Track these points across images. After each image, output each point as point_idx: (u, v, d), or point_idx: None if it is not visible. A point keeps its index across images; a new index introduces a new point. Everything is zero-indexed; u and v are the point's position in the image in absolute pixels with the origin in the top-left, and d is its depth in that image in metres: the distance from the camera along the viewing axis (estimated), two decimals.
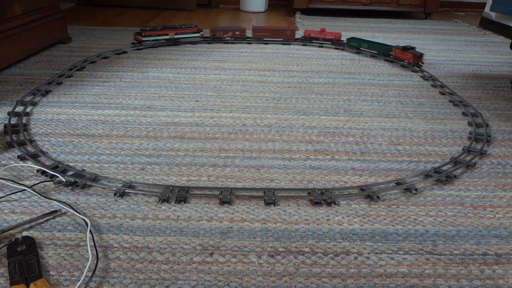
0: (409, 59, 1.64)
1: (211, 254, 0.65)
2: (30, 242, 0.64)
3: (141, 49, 1.76)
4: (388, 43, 1.87)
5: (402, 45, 1.78)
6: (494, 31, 2.40)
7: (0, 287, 0.57)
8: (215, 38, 1.89)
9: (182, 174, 0.86)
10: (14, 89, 1.27)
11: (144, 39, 1.77)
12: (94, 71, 1.46)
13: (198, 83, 1.38)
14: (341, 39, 1.96)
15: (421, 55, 1.62)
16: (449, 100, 1.32)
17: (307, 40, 1.95)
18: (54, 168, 0.85)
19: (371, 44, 1.80)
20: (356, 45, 1.86)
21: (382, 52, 1.77)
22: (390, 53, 1.74)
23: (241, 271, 0.62)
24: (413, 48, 1.66)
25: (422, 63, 1.64)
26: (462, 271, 0.63)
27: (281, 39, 1.94)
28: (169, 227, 0.71)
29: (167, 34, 1.79)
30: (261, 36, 1.92)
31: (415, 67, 1.61)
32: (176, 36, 1.80)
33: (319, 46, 1.90)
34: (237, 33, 1.91)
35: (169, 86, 1.35)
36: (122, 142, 0.98)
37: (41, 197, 0.76)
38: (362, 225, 0.73)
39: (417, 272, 0.63)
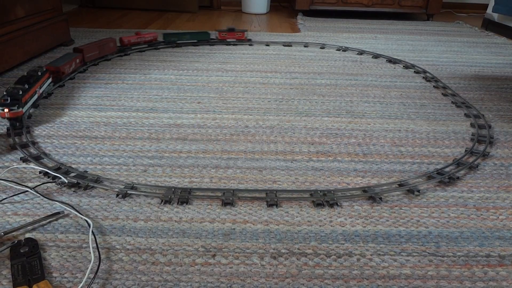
0: (240, 37, 1.92)
1: (214, 255, 0.65)
2: (33, 244, 0.64)
3: (144, 50, 1.76)
4: (390, 44, 1.86)
5: (221, 28, 2.05)
6: (497, 32, 2.41)
7: None
8: (60, 76, 1.34)
9: (185, 175, 0.86)
10: None
11: (22, 110, 1.03)
12: (96, 73, 1.47)
13: (200, 85, 1.38)
14: (158, 38, 1.88)
15: (245, 31, 1.94)
16: (452, 102, 1.31)
17: (127, 48, 1.73)
18: (57, 169, 0.85)
19: (190, 35, 1.86)
20: (175, 40, 1.85)
21: (203, 39, 1.89)
22: (212, 38, 1.92)
23: (244, 272, 0.62)
24: (234, 28, 1.93)
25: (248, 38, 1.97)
26: (465, 272, 0.63)
27: (108, 54, 1.64)
28: (172, 228, 0.71)
29: (35, 93, 1.14)
30: (92, 58, 1.55)
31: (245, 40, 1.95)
32: (41, 90, 1.20)
33: (320, 48, 1.91)
34: (77, 61, 1.46)
35: (171, 88, 1.35)
36: (124, 144, 0.98)
37: (44, 198, 0.76)
38: (364, 227, 0.73)
39: (420, 274, 0.62)
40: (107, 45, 1.62)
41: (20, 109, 1.02)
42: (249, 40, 1.97)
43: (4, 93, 1.03)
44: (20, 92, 1.04)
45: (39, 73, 1.19)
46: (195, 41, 1.88)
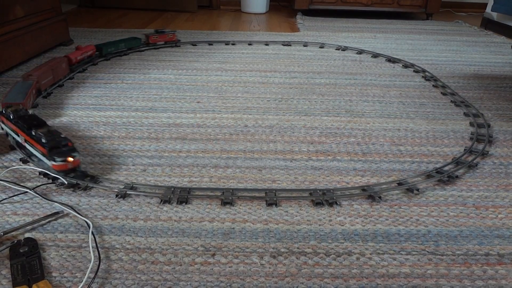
0: (171, 38, 1.84)
1: (213, 255, 0.65)
2: (32, 244, 0.64)
3: (143, 50, 1.76)
4: (389, 43, 1.85)
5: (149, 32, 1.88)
6: (496, 31, 2.41)
7: None
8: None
9: (184, 175, 0.86)
10: None
11: None
12: (95, 73, 1.46)
13: (199, 85, 1.38)
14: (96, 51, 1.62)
15: (174, 32, 1.87)
16: (451, 101, 1.31)
17: (73, 66, 1.46)
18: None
19: (124, 43, 1.71)
20: (112, 50, 1.65)
21: (136, 45, 1.76)
22: (143, 42, 1.80)
23: (243, 272, 0.62)
24: (164, 31, 1.84)
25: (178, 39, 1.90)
26: (464, 271, 0.63)
27: (62, 78, 1.37)
28: (171, 228, 0.71)
29: None
30: (47, 85, 1.26)
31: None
32: None
33: (320, 47, 1.91)
34: (34, 92, 1.17)
35: (170, 87, 1.35)
36: (123, 144, 0.98)
37: (43, 199, 0.76)
38: (364, 226, 0.73)
39: (420, 273, 0.63)
40: (59, 67, 1.34)
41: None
42: (179, 41, 1.88)
43: (44, 140, 0.81)
44: (62, 135, 0.85)
45: (28, 112, 0.95)
46: (126, 49, 1.71)
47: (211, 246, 0.67)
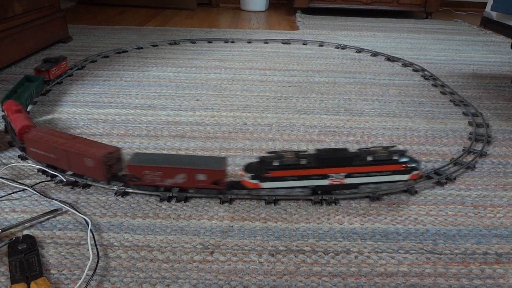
0: (65, 68, 1.38)
1: (212, 253, 0.65)
2: (31, 241, 0.64)
3: (141, 48, 1.76)
4: (388, 42, 1.85)
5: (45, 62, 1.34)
6: (495, 30, 2.41)
7: (1, 285, 0.57)
8: None
9: None
10: None
11: None
12: (94, 70, 1.46)
13: (198, 82, 1.38)
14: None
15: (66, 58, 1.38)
16: (450, 100, 1.32)
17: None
18: (55, 167, 0.85)
19: (35, 88, 1.18)
20: (29, 101, 1.14)
21: (41, 86, 1.24)
22: (46, 79, 1.28)
23: (242, 270, 0.62)
24: (57, 58, 1.35)
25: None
26: (462, 270, 0.63)
27: None
28: (170, 226, 0.71)
29: None
30: None
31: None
32: None
33: (319, 45, 1.90)
34: None
35: (169, 85, 1.35)
36: (122, 141, 0.98)
37: (42, 196, 0.76)
38: (362, 224, 0.73)
39: (418, 271, 0.63)
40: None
41: None
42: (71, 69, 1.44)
43: (397, 157, 0.78)
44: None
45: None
46: (35, 98, 1.19)
47: (210, 244, 0.67)
